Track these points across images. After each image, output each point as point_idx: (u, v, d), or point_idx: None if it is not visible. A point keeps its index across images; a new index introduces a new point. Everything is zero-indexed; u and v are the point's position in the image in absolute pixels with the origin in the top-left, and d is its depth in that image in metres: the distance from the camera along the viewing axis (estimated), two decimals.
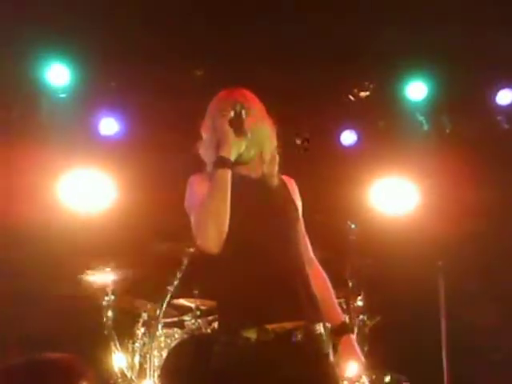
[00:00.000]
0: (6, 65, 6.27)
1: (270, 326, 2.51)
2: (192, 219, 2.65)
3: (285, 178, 2.96)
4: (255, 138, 2.76)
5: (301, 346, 2.55)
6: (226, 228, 2.51)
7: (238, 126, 2.67)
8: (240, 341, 2.49)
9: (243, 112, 2.71)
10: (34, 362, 1.79)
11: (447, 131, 7.13)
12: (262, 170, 2.82)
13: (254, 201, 2.68)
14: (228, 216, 2.53)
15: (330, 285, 2.96)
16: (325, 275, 2.98)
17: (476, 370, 5.78)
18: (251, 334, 2.49)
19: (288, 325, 2.54)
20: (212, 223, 2.50)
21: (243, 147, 2.69)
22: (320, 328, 2.66)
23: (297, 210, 2.90)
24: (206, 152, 2.85)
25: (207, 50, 6.39)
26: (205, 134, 2.89)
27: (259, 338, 2.49)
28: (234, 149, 2.64)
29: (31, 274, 5.87)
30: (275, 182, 2.84)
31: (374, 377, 5.71)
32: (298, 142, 7.24)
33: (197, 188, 2.72)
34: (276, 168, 2.87)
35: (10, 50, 6.12)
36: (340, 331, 2.86)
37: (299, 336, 2.55)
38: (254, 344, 2.48)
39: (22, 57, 6.27)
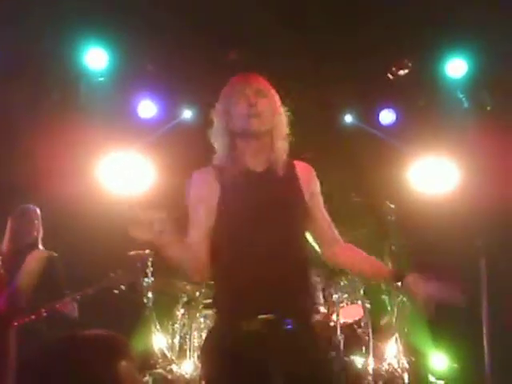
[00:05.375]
0: (45, 49, 6.33)
1: (262, 317, 2.62)
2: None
3: (299, 164, 2.95)
4: (267, 116, 2.79)
5: (293, 333, 2.65)
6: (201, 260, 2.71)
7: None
8: (234, 329, 2.66)
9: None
10: (73, 338, 1.78)
11: (488, 109, 7.00)
12: (269, 159, 2.83)
13: (256, 197, 2.73)
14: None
15: (361, 251, 2.99)
16: (354, 247, 3.02)
17: None
18: (244, 324, 2.64)
19: (279, 315, 2.64)
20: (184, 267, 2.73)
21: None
22: (313, 318, 2.88)
23: (303, 199, 2.86)
24: (215, 138, 2.87)
25: (241, 33, 6.37)
26: (216, 119, 2.88)
27: (252, 327, 2.62)
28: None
29: (71, 258, 5.93)
30: (281, 172, 2.83)
31: (413, 359, 5.70)
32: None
33: (194, 190, 2.85)
34: (284, 156, 2.86)
35: (48, 34, 6.18)
36: (397, 278, 2.84)
37: (290, 324, 2.65)
38: (247, 331, 2.63)
39: (60, 41, 6.34)
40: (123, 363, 1.71)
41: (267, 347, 2.59)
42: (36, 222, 5.31)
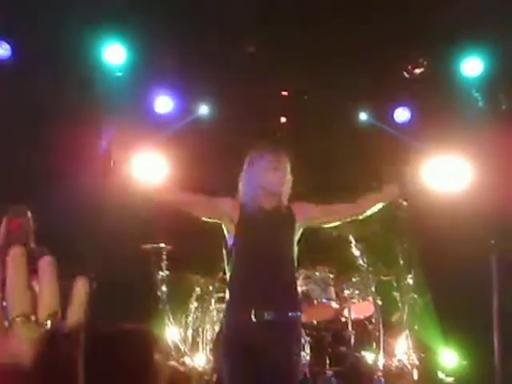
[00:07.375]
0: (64, 45, 6.40)
1: (255, 310, 3.75)
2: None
3: (293, 205, 4.12)
4: (286, 183, 4.06)
5: (271, 322, 3.74)
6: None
7: None
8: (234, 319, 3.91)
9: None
10: (115, 333, 1.84)
11: (503, 108, 6.98)
12: (276, 202, 4.05)
13: (265, 225, 3.96)
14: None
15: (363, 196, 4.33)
16: (356, 200, 4.30)
17: None
18: (244, 315, 3.79)
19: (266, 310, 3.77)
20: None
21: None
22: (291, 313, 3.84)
23: (293, 228, 4.04)
24: (244, 182, 4.09)
25: (257, 29, 6.43)
26: (253, 173, 4.05)
27: (247, 318, 3.75)
28: None
29: (85, 250, 5.99)
30: (282, 211, 4.05)
31: (423, 355, 5.74)
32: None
33: (224, 199, 4.10)
34: (285, 202, 4.08)
35: (67, 30, 6.25)
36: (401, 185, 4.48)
37: (271, 316, 3.74)
38: (245, 322, 3.77)
39: (79, 37, 6.40)
40: (156, 356, 1.78)
41: (255, 330, 3.73)
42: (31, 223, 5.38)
